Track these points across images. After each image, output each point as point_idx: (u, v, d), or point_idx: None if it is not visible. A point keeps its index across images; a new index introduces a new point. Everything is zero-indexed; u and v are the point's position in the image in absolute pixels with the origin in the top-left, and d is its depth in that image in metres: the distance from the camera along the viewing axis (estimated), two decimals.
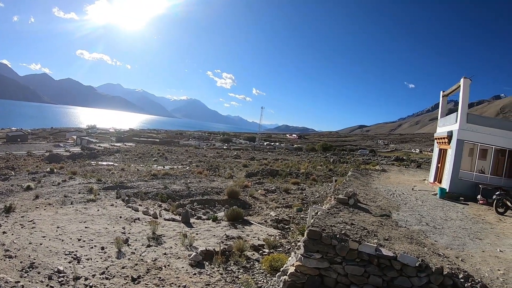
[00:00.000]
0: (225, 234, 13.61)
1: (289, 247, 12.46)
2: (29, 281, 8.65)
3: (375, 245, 7.48)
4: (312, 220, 9.21)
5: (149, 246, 11.85)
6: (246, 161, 50.03)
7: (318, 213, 10.48)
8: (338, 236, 7.61)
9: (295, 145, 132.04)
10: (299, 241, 11.51)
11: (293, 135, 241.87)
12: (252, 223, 15.92)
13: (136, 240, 12.38)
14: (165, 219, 15.92)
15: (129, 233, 13.14)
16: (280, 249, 12.28)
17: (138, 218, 15.37)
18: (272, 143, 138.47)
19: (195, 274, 9.86)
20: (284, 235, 14.20)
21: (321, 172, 38.20)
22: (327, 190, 25.60)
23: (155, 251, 11.41)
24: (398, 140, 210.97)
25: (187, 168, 38.83)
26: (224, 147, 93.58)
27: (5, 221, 13.72)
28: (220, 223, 15.58)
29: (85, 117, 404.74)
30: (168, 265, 10.33)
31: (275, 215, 18.15)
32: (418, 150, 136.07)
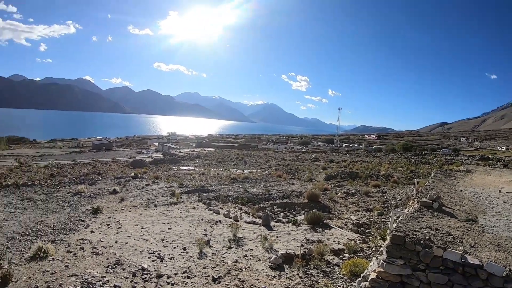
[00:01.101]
0: (305, 237, 13.48)
1: (369, 252, 12.02)
2: (114, 277, 9.26)
3: (461, 253, 6.92)
4: (395, 225, 8.86)
5: (230, 248, 12.08)
6: (325, 164, 49.62)
7: (400, 217, 10.02)
8: (422, 241, 7.19)
9: (374, 146, 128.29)
10: (380, 246, 11.23)
11: (371, 135, 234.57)
12: (332, 227, 15.53)
13: (217, 241, 12.70)
14: (246, 222, 16.08)
15: (211, 234, 13.54)
16: (361, 254, 11.88)
17: (219, 221, 15.76)
18: (350, 145, 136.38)
19: (274, 276, 9.88)
20: (364, 240, 13.75)
21: (402, 174, 36.58)
22: (409, 193, 24.30)
23: (235, 253, 11.60)
24: (483, 138, 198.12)
25: (266, 171, 39.24)
26: (303, 150, 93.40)
27: (93, 221, 15.00)
28: (300, 226, 15.41)
29: (165, 125, 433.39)
30: (249, 267, 10.44)
31: (356, 219, 17.54)
32: (504, 148, 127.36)
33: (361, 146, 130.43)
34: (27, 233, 12.96)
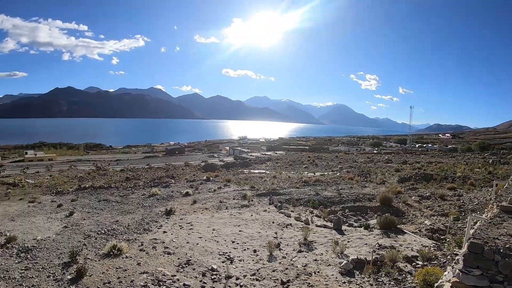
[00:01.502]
0: (377, 243, 12.87)
1: (444, 260, 11.16)
2: (184, 276, 9.47)
3: None
4: (472, 231, 8.09)
5: (300, 251, 11.86)
6: (398, 165, 47.71)
7: (478, 223, 9.17)
8: (501, 250, 6.33)
9: (449, 146, 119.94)
10: (455, 254, 10.63)
11: (446, 134, 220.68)
12: (406, 232, 14.63)
13: (287, 245, 12.53)
14: (317, 226, 15.73)
15: (281, 238, 13.39)
16: (435, 262, 11.05)
17: (290, 224, 15.56)
18: (424, 145, 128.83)
19: (344, 282, 9.57)
20: (439, 247, 12.77)
21: (480, 176, 33.73)
22: (487, 196, 22.25)
23: (305, 257, 11.34)
24: None
25: (338, 174, 38.53)
26: (375, 151, 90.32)
27: (165, 222, 15.60)
28: (372, 231, 14.71)
29: (236, 129, 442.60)
30: (318, 272, 10.19)
31: (430, 224, 16.36)
32: None
33: (435, 146, 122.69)
34: (103, 231, 13.86)
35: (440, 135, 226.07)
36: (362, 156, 70.78)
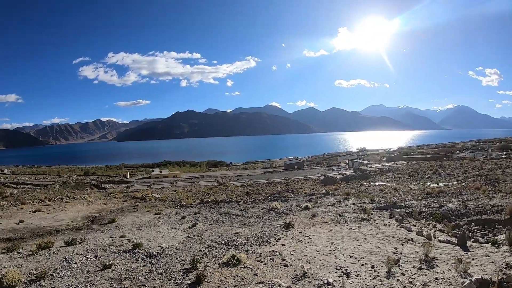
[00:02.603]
0: (505, 261, 11.32)
1: None
2: None
3: None
4: None
5: (420, 268, 11.13)
6: None
7: None
8: None
9: None
10: None
11: None
12: None
13: (407, 261, 11.87)
14: (440, 241, 14.56)
15: (401, 253, 12.75)
16: None
17: (411, 239, 14.70)
18: None
19: None
20: None
21: None
22: None
23: (426, 275, 10.61)
24: None
25: (463, 183, 35.32)
26: (503, 156, 79.99)
27: (284, 235, 15.96)
28: (500, 247, 13.01)
29: (353, 141, 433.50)
30: None
31: None
32: None
33: None
34: (223, 242, 14.81)
35: None
36: (489, 162, 63.97)
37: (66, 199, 35.98)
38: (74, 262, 12.91)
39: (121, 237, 17.10)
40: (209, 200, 30.58)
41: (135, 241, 15.19)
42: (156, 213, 24.84)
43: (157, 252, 13.78)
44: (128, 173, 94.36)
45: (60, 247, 15.34)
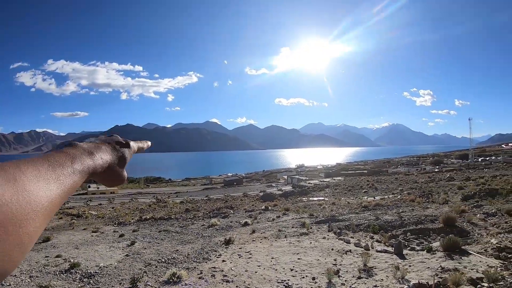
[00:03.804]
0: (440, 265, 12.25)
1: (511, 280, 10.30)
2: None
3: None
4: None
5: (359, 278, 11.59)
6: (460, 183, 45.31)
7: None
8: None
9: None
10: None
11: (509, 144, 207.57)
12: (470, 253, 13.80)
13: (347, 271, 12.29)
14: (377, 251, 15.31)
15: (340, 264, 13.17)
16: (501, 283, 10.33)
17: (350, 250, 15.25)
18: (487, 158, 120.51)
19: None
20: (506, 266, 11.92)
21: None
22: None
23: (365, 283, 11.08)
24: None
25: (399, 196, 37.48)
26: (436, 170, 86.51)
27: (224, 251, 15.84)
28: (435, 253, 14.05)
29: (292, 157, 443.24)
30: None
31: (497, 243, 15.25)
32: None
33: (499, 158, 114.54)
34: (163, 260, 14.42)
35: (503, 145, 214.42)
36: (423, 176, 68.43)
37: None
38: (8, 284, 11.97)
39: (57, 256, 16.13)
40: (148, 217, 29.75)
41: (72, 260, 14.35)
42: (93, 231, 23.71)
43: (96, 272, 13.12)
44: None
45: None
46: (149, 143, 1.08)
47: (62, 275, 13.02)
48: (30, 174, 0.71)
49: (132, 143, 0.96)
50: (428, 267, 12.37)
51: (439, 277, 10.88)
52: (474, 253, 13.90)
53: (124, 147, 0.90)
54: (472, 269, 11.81)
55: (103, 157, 0.79)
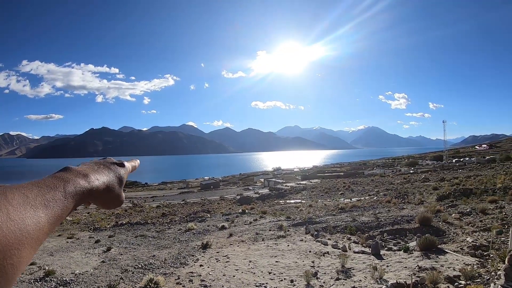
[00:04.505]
0: (417, 265, 12.52)
1: (488, 277, 10.74)
2: None
3: None
4: None
5: (338, 279, 11.68)
6: (435, 183, 46.58)
7: None
8: None
9: (487, 157, 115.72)
10: (499, 269, 10.28)
11: (482, 145, 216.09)
12: (447, 252, 14.15)
13: (325, 273, 12.37)
14: (355, 252, 15.47)
15: (318, 266, 13.24)
16: (478, 280, 10.67)
17: (327, 252, 15.35)
18: (461, 159, 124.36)
19: None
20: (482, 264, 12.33)
21: None
22: None
23: (343, 284, 11.18)
24: None
25: (375, 198, 38.15)
26: (411, 171, 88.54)
27: (202, 256, 15.70)
28: (412, 253, 14.34)
29: (269, 160, 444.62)
30: None
31: (472, 241, 15.72)
32: None
33: (473, 159, 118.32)
34: (140, 266, 14.23)
35: (476, 146, 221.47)
36: (398, 177, 69.78)
37: None
38: None
39: (32, 264, 15.67)
40: (124, 222, 29.27)
41: (46, 268, 13.98)
42: (68, 237, 23.15)
43: (71, 280, 12.81)
44: None
45: None
46: (138, 161, 1.08)
47: (37, 283, 12.67)
48: (16, 201, 0.69)
49: (126, 163, 0.95)
50: (406, 267, 12.56)
51: (416, 276, 11.07)
52: (451, 252, 14.21)
53: (119, 167, 0.88)
54: (449, 268, 12.06)
55: (99, 178, 0.77)
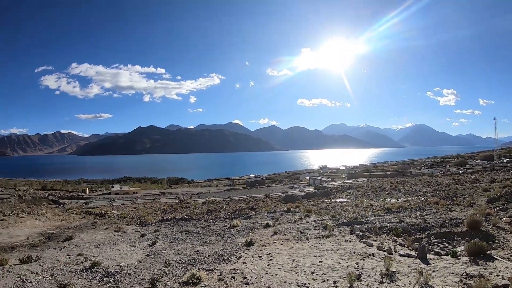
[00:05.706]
0: (465, 271, 11.78)
1: None
2: None
3: None
4: None
5: (382, 282, 11.29)
6: (486, 185, 43.87)
7: None
8: None
9: None
10: None
11: None
12: (496, 258, 13.21)
13: (368, 276, 12.02)
14: (400, 255, 14.91)
15: (362, 268, 12.91)
16: None
17: (372, 254, 14.95)
18: None
19: None
20: None
21: None
22: None
23: None
24: None
25: (422, 199, 36.76)
26: (460, 172, 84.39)
27: (245, 253, 15.82)
28: (460, 258, 13.54)
29: (315, 158, 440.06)
30: None
31: None
32: None
33: None
34: (183, 261, 14.55)
35: None
36: (447, 177, 66.79)
37: (22, 214, 34.19)
38: (29, 281, 12.30)
39: (79, 255, 16.50)
40: (169, 217, 30.06)
41: (93, 259, 14.64)
42: (115, 231, 24.15)
43: (116, 271, 13.32)
44: (87, 188, 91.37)
45: (15, 265, 14.66)
46: None
47: (82, 273, 13.29)
48: None
49: None
50: (453, 273, 11.97)
51: (463, 284, 10.50)
52: (500, 259, 13.40)
53: None
54: (497, 276, 11.36)
55: None
